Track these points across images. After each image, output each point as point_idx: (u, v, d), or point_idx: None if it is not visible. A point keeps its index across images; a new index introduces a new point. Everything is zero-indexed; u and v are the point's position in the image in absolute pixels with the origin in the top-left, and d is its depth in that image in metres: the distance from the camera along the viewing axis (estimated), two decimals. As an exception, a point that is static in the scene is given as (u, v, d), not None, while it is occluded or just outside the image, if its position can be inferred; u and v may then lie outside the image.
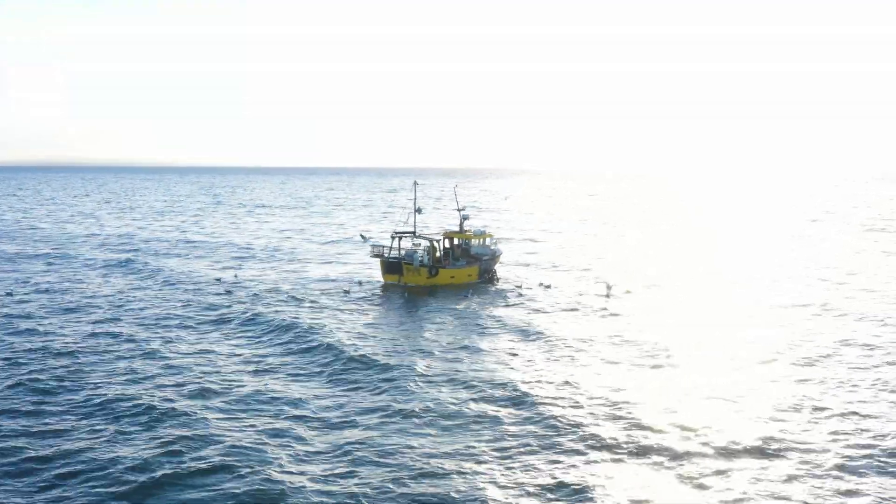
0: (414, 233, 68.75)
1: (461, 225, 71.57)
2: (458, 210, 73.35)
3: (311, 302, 57.98)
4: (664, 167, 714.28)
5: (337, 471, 26.97)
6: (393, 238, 68.61)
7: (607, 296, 59.74)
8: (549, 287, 64.21)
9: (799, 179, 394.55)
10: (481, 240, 70.77)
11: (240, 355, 42.34)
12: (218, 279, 67.95)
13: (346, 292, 62.23)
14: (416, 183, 74.60)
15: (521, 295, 60.98)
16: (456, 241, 69.94)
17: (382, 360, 40.82)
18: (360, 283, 67.00)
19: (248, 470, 26.70)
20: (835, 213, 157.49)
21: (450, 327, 49.62)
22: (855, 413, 32.41)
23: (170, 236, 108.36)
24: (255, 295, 60.42)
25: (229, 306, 55.57)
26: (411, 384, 36.43)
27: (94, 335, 46.51)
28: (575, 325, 49.91)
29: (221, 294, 60.91)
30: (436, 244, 67.87)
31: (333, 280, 68.45)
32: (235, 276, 70.34)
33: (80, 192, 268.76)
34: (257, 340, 45.97)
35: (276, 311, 53.52)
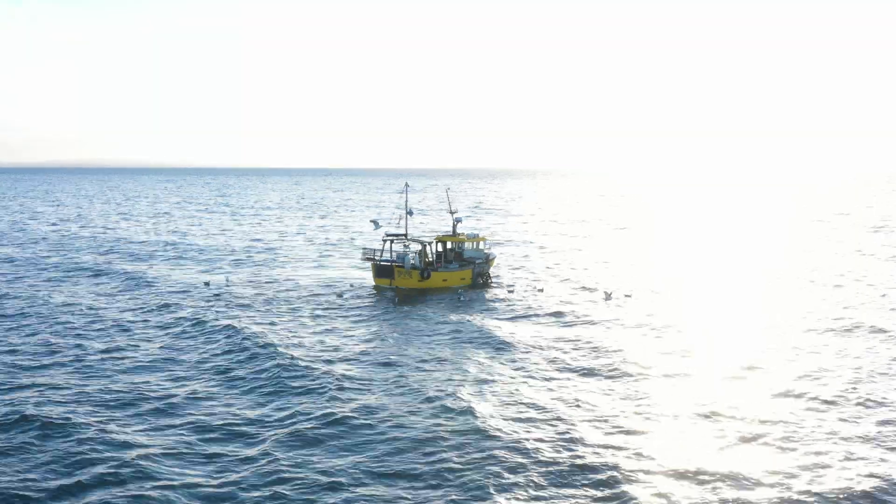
0: (406, 235, 67.80)
1: (454, 228, 70.64)
2: (451, 213, 72.34)
3: (296, 306, 56.86)
4: (681, 174, 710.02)
5: (250, 480, 25.89)
6: (384, 241, 67.57)
7: (607, 300, 58.34)
8: (541, 291, 62.92)
9: (802, 185, 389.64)
10: (474, 243, 69.78)
11: (188, 362, 40.99)
12: (207, 283, 67.06)
13: (339, 295, 61.34)
14: (406, 185, 73.73)
15: (511, 299, 59.55)
16: (449, 245, 68.95)
17: (338, 368, 39.26)
18: (351, 285, 66.03)
19: (148, 482, 25.71)
20: (845, 216, 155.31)
21: (427, 334, 48.11)
22: (829, 434, 30.32)
23: (166, 238, 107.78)
24: (240, 299, 59.44)
25: (203, 311, 54.16)
26: (359, 393, 34.97)
27: (46, 343, 45.10)
28: (558, 332, 48.24)
29: (206, 298, 59.85)
30: (429, 247, 66.83)
31: (325, 283, 67.40)
32: (227, 279, 69.39)
33: (89, 193, 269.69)
34: (212, 347, 44.18)
35: (250, 317, 52.39)
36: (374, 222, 73.65)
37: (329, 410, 32.46)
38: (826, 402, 34.05)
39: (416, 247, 67.15)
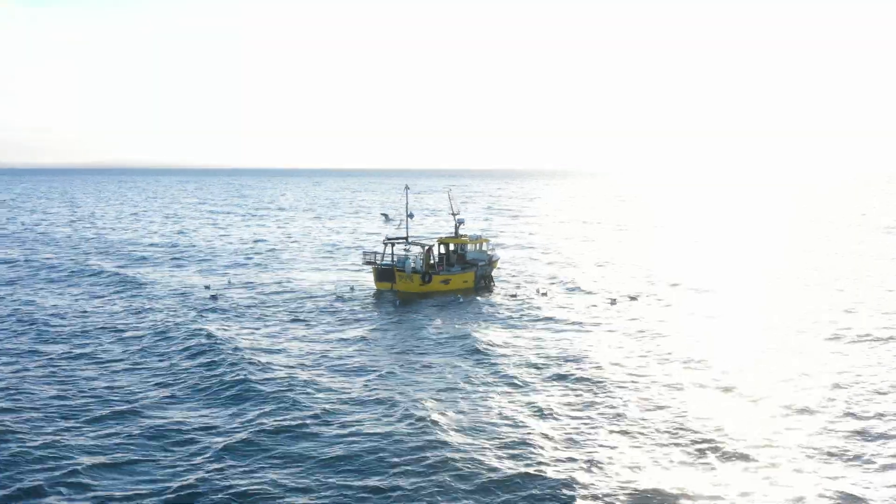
0: (406, 239, 67.85)
1: (456, 230, 70.64)
2: (453, 215, 72.48)
3: (291, 310, 56.30)
4: (682, 174, 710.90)
5: (197, 489, 25.43)
6: (385, 244, 67.67)
7: (612, 304, 57.95)
8: (544, 294, 62.58)
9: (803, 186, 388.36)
10: (477, 245, 69.70)
11: (160, 367, 40.45)
12: (207, 286, 66.78)
13: (340, 298, 61.31)
14: (406, 187, 73.92)
15: (511, 304, 58.65)
16: (451, 247, 68.98)
17: (311, 374, 38.60)
18: (351, 288, 66.02)
19: (88, 492, 25.39)
20: (845, 216, 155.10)
21: (417, 339, 47.28)
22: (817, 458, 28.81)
23: (172, 240, 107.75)
24: (236, 302, 59.04)
25: (194, 315, 53.76)
26: (324, 400, 34.20)
27: (25, 346, 44.77)
28: (553, 337, 47.15)
29: (202, 301, 59.49)
30: (432, 250, 66.83)
31: (326, 287, 67.05)
32: (229, 282, 69.43)
33: (91, 194, 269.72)
34: (189, 351, 43.31)
35: (238, 321, 52.04)
36: (385, 216, 72.32)
37: (288, 417, 31.85)
38: (813, 411, 33.12)
39: (416, 250, 67.23)
